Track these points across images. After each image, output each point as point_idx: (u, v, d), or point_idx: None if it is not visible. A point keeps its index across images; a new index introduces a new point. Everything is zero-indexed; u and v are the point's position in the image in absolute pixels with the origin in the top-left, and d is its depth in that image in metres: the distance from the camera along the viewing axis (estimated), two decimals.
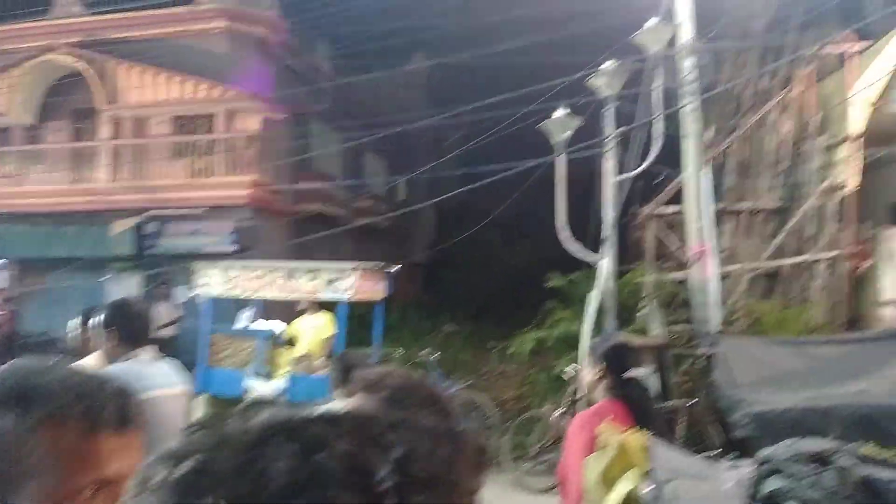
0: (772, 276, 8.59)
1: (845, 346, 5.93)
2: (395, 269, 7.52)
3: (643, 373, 4.60)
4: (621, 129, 6.86)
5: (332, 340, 6.74)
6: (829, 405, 5.18)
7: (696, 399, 6.13)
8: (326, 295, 6.70)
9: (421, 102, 18.40)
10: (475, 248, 13.27)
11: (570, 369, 6.06)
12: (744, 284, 8.20)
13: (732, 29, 9.84)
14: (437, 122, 12.69)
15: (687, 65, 7.19)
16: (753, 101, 9.88)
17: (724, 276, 7.76)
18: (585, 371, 2.94)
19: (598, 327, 6.22)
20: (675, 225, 8.25)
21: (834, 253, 7.92)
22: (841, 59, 9.01)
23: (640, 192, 8.58)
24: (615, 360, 2.81)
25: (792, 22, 9.72)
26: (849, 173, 8.26)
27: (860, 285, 7.99)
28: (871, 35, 8.76)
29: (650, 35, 7.17)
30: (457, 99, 11.34)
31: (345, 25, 14.02)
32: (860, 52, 8.74)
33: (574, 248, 6.65)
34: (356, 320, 7.28)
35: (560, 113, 6.76)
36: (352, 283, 6.70)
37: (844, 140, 8.39)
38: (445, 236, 12.92)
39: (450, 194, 9.64)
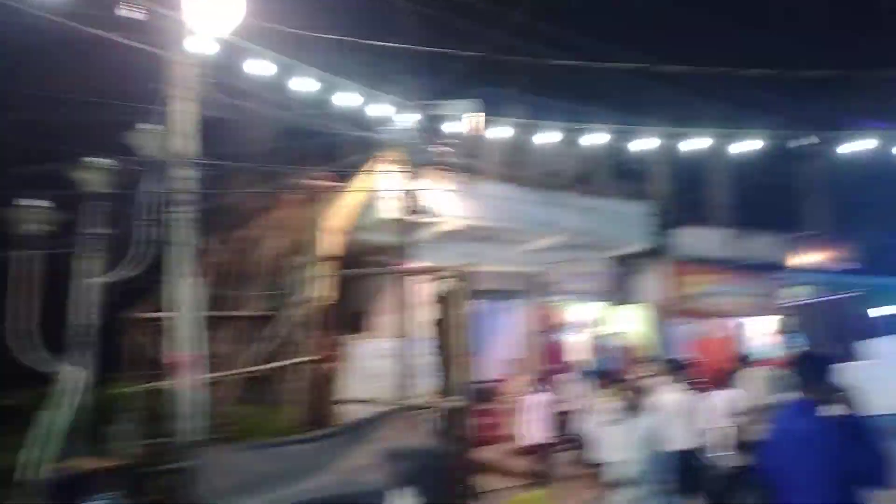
0: (259, 381, 9.07)
1: (310, 443, 6.57)
2: None
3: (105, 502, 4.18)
4: (103, 229, 6.46)
5: None
6: (293, 503, 5.65)
7: None
8: None
9: None
10: None
11: None
12: (232, 390, 8.43)
13: (236, 148, 10.59)
14: None
15: (182, 174, 7.32)
16: (251, 217, 10.67)
17: (213, 383, 7.84)
18: None
19: (57, 452, 5.41)
20: (163, 332, 8.03)
21: (309, 358, 8.92)
22: (323, 192, 10.56)
23: (130, 295, 8.13)
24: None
25: (288, 153, 11.05)
26: (324, 288, 9.56)
27: (329, 385, 9.15)
28: (345, 176, 10.62)
29: (145, 138, 7.12)
30: None
31: None
32: (337, 189, 10.44)
33: (31, 357, 5.76)
34: None
35: (27, 202, 5.99)
36: None
37: (321, 259, 9.72)
38: None
39: None
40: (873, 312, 15.01)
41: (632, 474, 5.62)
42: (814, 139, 13.15)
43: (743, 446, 7.59)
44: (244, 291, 9.68)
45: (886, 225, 18.91)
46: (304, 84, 8.90)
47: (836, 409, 3.40)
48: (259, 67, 8.52)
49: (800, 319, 14.31)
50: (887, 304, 16.06)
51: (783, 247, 16.67)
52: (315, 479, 5.99)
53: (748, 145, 10.89)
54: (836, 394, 3.43)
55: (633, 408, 5.91)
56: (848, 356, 10.22)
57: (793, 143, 13.16)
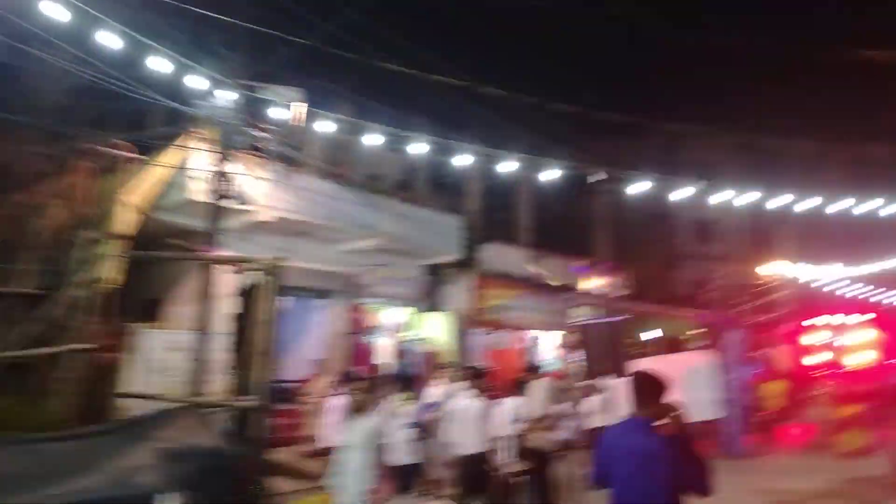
0: (23, 368, 7.88)
1: (78, 440, 5.83)
2: None
3: None
4: None
5: None
6: None
7: None
8: None
9: None
10: None
11: None
12: None
13: (17, 100, 9.15)
14: None
15: None
16: (30, 181, 9.30)
17: None
18: None
19: None
20: None
21: (87, 345, 7.93)
22: (120, 163, 9.50)
23: None
24: None
25: (78, 112, 9.77)
26: (111, 269, 8.58)
27: (109, 377, 8.20)
28: (148, 149, 9.66)
29: None
30: None
31: None
32: (138, 161, 9.46)
33: None
34: None
35: None
36: None
37: (111, 237, 8.73)
38: None
39: None
40: (642, 335, 17.15)
41: (350, 477, 5.31)
42: (603, 176, 14.60)
43: (525, 452, 8.09)
44: (15, 265, 8.36)
45: (654, 260, 21.85)
46: (107, 39, 7.78)
47: (668, 425, 3.70)
48: (54, 12, 7.35)
49: (580, 337, 15.83)
50: (650, 329, 18.51)
51: (573, 270, 18.40)
52: (81, 481, 5.32)
53: (551, 174, 11.77)
54: (666, 411, 3.72)
55: (359, 408, 5.56)
56: (617, 372, 11.54)
57: (589, 178, 14.51)
